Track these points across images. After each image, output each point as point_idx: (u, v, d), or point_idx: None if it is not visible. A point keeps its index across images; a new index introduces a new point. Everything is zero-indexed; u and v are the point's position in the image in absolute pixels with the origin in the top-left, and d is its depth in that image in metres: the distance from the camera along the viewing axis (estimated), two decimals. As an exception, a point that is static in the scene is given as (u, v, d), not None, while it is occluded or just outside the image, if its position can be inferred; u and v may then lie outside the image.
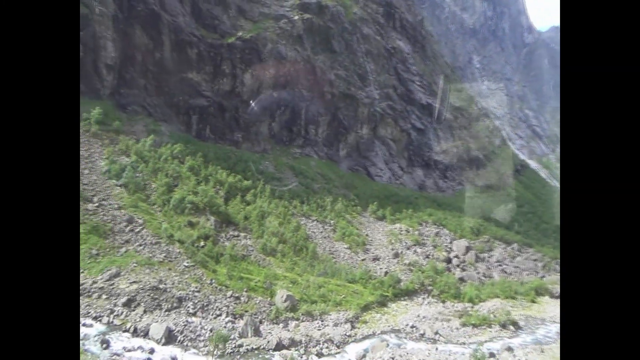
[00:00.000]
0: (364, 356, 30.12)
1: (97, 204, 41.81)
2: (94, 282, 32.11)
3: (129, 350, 25.95)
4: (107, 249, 36.95)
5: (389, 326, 36.89)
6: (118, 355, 25.03)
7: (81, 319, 28.35)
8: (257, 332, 31.05)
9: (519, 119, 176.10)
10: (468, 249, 59.76)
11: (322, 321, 35.29)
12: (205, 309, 32.74)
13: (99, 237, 37.70)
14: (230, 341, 28.92)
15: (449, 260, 56.54)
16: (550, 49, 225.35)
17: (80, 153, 47.66)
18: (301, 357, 28.68)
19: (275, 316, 33.90)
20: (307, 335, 32.01)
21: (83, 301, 30.47)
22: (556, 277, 59.57)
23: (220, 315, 32.58)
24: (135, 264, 35.27)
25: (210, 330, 29.89)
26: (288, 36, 76.14)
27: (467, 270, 55.31)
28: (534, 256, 66.72)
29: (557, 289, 53.73)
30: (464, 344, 35.01)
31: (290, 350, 29.34)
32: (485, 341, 36.23)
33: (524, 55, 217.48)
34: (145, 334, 28.19)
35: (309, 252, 46.98)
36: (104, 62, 59.81)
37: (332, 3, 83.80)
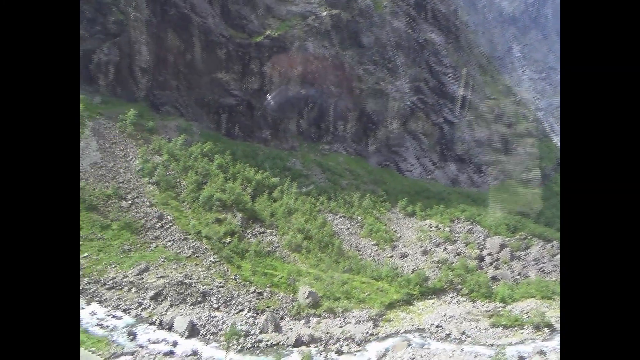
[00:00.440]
0: (385, 355, 29.69)
1: (130, 202, 43.84)
2: (125, 276, 33.74)
3: (154, 343, 27.03)
4: (139, 245, 38.67)
5: (413, 325, 36.23)
6: (142, 347, 26.12)
7: (111, 311, 29.85)
8: (277, 328, 31.40)
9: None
10: (502, 246, 57.35)
11: (344, 318, 35.16)
12: (228, 304, 33.53)
13: (131, 233, 39.52)
14: (250, 336, 29.43)
15: (481, 258, 54.55)
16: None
17: (116, 153, 50.11)
18: (320, 354, 28.68)
19: (296, 312, 34.13)
20: (328, 333, 32.02)
21: (114, 294, 32.11)
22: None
23: (242, 310, 33.26)
24: (163, 259, 36.70)
25: (232, 325, 30.57)
26: (316, 33, 75.96)
27: (501, 268, 53.16)
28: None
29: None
30: (492, 345, 33.72)
31: (309, 347, 29.44)
32: (516, 343, 34.72)
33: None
34: (170, 327, 29.30)
35: (335, 248, 46.88)
36: (139, 66, 62.43)
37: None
